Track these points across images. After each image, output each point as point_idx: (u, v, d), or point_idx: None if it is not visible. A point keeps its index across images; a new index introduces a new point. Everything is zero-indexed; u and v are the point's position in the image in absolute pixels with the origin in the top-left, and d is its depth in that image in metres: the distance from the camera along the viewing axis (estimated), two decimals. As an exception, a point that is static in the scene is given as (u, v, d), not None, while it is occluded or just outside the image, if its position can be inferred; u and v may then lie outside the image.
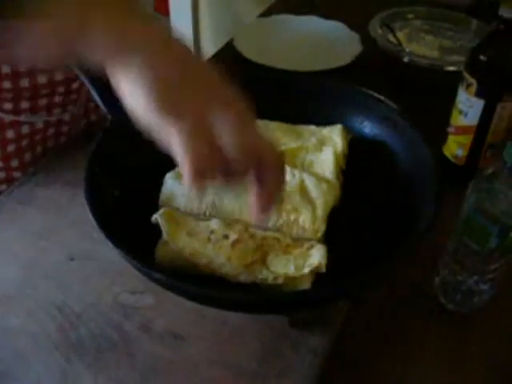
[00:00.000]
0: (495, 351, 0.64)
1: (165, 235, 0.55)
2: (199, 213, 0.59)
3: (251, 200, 0.48)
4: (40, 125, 0.87)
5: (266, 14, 1.33)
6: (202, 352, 0.61)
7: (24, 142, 0.86)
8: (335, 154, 0.63)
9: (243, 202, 0.59)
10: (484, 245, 0.60)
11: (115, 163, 0.60)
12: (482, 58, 0.74)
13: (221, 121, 0.45)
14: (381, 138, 0.67)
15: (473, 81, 0.76)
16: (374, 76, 1.09)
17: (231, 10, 1.88)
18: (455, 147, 0.82)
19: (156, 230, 0.58)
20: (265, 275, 0.53)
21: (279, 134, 0.66)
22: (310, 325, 0.62)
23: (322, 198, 0.59)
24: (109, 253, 0.70)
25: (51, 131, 0.91)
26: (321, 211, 0.58)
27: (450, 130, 0.83)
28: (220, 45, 1.34)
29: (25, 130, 0.85)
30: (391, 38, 1.10)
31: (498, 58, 0.74)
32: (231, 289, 0.54)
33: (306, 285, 0.53)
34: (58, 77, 0.84)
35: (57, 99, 0.87)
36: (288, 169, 0.61)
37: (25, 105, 0.83)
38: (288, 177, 0.61)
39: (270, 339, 0.62)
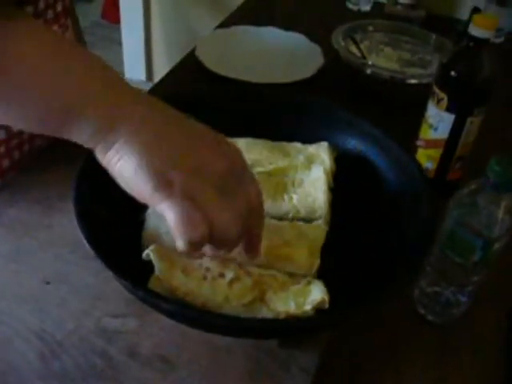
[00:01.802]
0: (477, 360, 0.66)
1: (158, 273, 0.53)
2: None
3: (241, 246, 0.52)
4: (3, 136, 0.83)
5: (225, 24, 1.32)
6: (191, 375, 0.59)
7: None
8: (326, 172, 0.63)
9: None
10: (468, 258, 0.62)
11: (101, 183, 0.58)
12: (452, 73, 0.77)
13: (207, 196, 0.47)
14: (365, 154, 0.67)
15: (444, 96, 0.78)
16: (337, 88, 1.11)
17: (184, 21, 1.86)
18: (425, 160, 0.84)
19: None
20: (265, 314, 0.52)
21: (266, 153, 0.66)
22: (298, 343, 0.62)
23: (313, 231, 0.58)
24: (85, 275, 0.68)
25: (14, 142, 0.86)
26: (314, 245, 0.56)
27: (420, 143, 0.85)
28: (171, 56, 1.33)
29: None
30: (354, 49, 1.11)
31: (469, 74, 0.77)
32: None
33: None
34: None
35: None
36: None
37: None
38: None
39: (258, 359, 0.61)
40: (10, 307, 0.64)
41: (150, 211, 0.60)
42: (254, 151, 0.66)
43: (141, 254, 0.55)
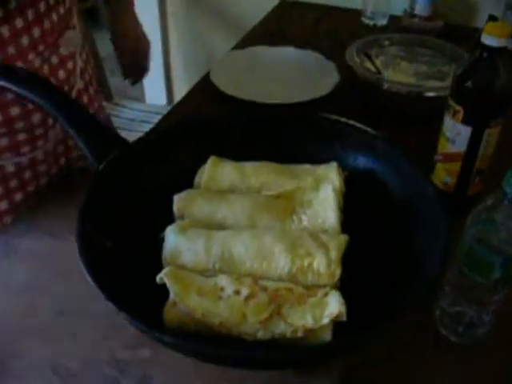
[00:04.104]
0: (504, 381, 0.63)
1: (173, 296, 0.52)
2: (207, 267, 0.57)
3: None
4: (11, 168, 0.84)
5: (239, 46, 1.32)
6: (205, 405, 0.58)
7: None
8: (335, 191, 0.61)
9: (253, 252, 0.57)
10: (488, 276, 0.59)
11: (105, 215, 0.58)
12: (467, 85, 0.74)
13: None
14: (376, 173, 0.66)
15: (459, 108, 0.76)
16: (354, 105, 1.09)
17: (202, 44, 1.87)
18: (444, 175, 0.82)
19: (154, 284, 0.55)
20: (283, 329, 0.51)
21: (274, 176, 0.65)
22: (313, 370, 0.60)
23: (334, 240, 0.57)
24: (98, 306, 0.68)
25: (28, 174, 0.87)
26: (335, 253, 0.56)
27: (438, 157, 0.83)
28: (191, 79, 1.34)
29: None
30: (369, 65, 1.10)
31: (484, 85, 0.74)
32: (249, 347, 0.51)
33: (326, 335, 0.51)
34: (14, 112, 0.80)
35: (20, 137, 0.83)
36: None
37: None
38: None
39: (275, 387, 0.59)
40: (24, 339, 0.64)
41: (168, 229, 0.60)
42: (261, 175, 0.65)
43: (148, 284, 0.55)
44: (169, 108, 2.04)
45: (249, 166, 0.67)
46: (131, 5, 1.18)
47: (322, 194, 0.61)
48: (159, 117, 1.16)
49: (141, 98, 2.17)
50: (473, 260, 0.60)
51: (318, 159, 0.67)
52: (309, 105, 1.06)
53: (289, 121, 0.71)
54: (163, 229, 0.60)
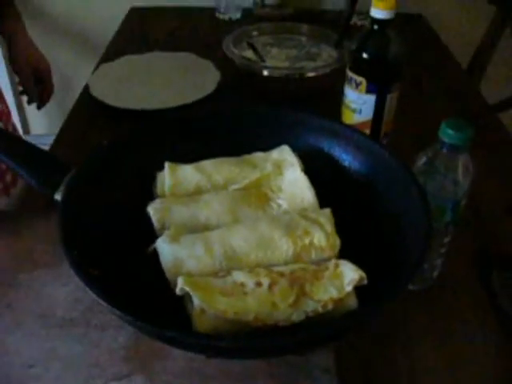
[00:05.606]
0: (465, 319, 0.69)
1: (199, 303, 0.50)
2: (214, 268, 0.55)
3: None
4: None
5: (104, 60, 1.27)
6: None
7: None
8: (303, 171, 0.63)
9: (253, 243, 0.56)
10: (440, 220, 0.65)
11: (83, 244, 0.54)
12: (365, 57, 0.80)
13: None
14: (325, 149, 0.68)
15: (361, 79, 0.81)
16: (243, 97, 1.11)
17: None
18: (353, 144, 0.87)
19: (155, 301, 0.53)
20: (313, 307, 0.52)
21: (235, 169, 0.65)
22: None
23: (322, 215, 0.59)
24: (68, 345, 0.63)
25: None
26: (329, 226, 0.58)
27: (347, 129, 0.88)
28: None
29: None
30: (248, 55, 1.13)
31: (380, 54, 0.81)
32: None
33: (353, 303, 0.53)
34: None
35: None
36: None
37: None
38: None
39: (280, 374, 0.59)
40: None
41: (160, 242, 0.57)
42: (223, 171, 0.65)
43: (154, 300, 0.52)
44: (26, 136, 1.91)
45: (207, 165, 0.66)
46: (23, 27, 1.21)
47: (289, 177, 0.63)
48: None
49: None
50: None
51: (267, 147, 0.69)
52: (198, 104, 1.06)
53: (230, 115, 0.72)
54: (144, 242, 0.57)
